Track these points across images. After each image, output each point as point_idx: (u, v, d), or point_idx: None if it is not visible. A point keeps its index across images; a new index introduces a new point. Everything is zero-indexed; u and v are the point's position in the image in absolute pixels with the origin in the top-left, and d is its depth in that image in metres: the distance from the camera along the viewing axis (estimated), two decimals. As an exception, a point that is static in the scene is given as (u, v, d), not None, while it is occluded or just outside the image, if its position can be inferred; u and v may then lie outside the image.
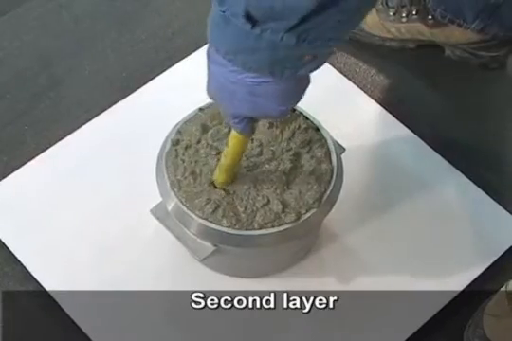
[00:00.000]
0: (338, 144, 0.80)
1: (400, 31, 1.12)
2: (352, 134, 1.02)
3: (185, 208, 0.75)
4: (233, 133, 0.68)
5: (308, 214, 0.75)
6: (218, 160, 0.76)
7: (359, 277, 0.95)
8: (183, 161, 0.77)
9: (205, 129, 0.79)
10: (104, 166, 1.02)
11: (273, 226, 0.74)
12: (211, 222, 0.74)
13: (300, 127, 0.78)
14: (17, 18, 1.17)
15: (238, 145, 0.70)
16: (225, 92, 0.60)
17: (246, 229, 0.74)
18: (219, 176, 0.75)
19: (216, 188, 0.76)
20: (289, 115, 0.64)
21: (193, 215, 0.74)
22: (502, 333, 0.87)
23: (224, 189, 0.75)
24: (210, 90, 0.63)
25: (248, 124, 0.65)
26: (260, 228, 0.74)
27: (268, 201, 0.74)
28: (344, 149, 0.82)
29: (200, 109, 0.80)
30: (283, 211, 0.74)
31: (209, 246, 0.78)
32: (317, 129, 0.79)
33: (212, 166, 0.76)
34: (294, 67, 0.56)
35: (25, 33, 1.16)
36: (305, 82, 0.60)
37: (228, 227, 0.74)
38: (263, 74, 0.56)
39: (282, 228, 0.74)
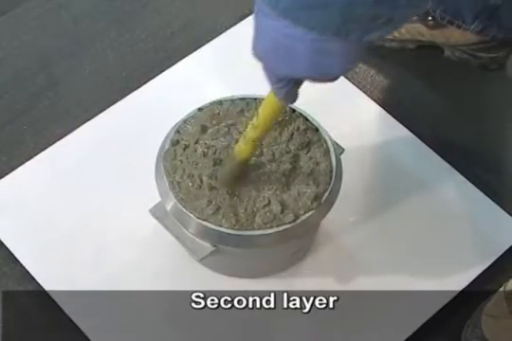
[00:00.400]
0: (337, 144, 0.80)
1: (400, 32, 1.12)
2: (351, 134, 1.01)
3: (184, 209, 0.74)
4: (269, 101, 0.64)
5: (307, 215, 0.75)
6: (216, 159, 0.76)
7: (359, 277, 0.95)
8: (181, 162, 0.76)
9: (204, 129, 0.78)
10: (103, 165, 1.01)
11: (272, 227, 0.74)
12: (211, 222, 0.74)
13: (299, 129, 0.78)
14: (16, 18, 1.17)
15: (273, 115, 0.65)
16: (278, 50, 0.55)
17: (246, 230, 0.74)
18: (243, 151, 0.71)
19: (216, 189, 0.75)
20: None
21: (192, 215, 0.74)
22: (500, 334, 0.87)
23: (227, 192, 0.75)
24: (259, 49, 0.57)
25: (293, 89, 0.60)
26: (259, 229, 0.74)
27: (269, 202, 0.74)
28: (343, 149, 0.82)
29: (199, 109, 0.80)
30: (282, 212, 0.74)
31: (207, 246, 0.78)
32: (316, 129, 0.79)
33: (209, 166, 0.76)
34: (364, 29, 0.50)
35: (24, 33, 1.16)
36: None
37: (228, 228, 0.73)
38: (326, 34, 0.51)
39: (281, 229, 0.74)
